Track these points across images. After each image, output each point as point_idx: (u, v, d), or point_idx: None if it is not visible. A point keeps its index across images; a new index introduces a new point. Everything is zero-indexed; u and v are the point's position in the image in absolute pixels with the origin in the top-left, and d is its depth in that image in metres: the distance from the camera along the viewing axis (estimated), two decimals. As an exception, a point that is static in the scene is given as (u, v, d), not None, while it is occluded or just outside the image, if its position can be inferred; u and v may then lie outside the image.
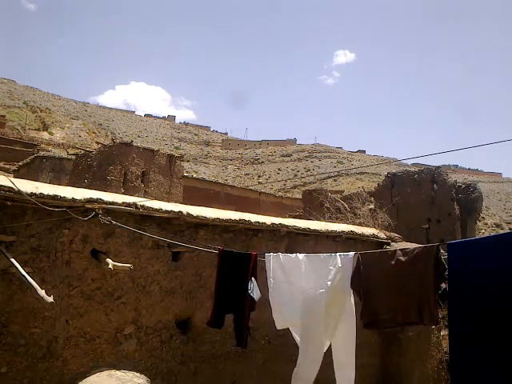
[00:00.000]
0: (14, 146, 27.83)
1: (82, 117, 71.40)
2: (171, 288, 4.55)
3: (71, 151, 26.09)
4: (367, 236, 6.30)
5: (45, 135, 43.06)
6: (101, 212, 3.93)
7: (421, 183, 18.71)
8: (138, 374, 3.51)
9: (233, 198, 25.22)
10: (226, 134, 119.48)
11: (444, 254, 3.12)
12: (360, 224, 7.28)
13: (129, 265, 3.85)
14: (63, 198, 3.72)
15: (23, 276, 3.29)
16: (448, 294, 2.99)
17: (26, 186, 3.60)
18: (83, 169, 19.39)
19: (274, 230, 5.35)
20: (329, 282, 3.81)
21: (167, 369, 4.43)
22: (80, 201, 3.82)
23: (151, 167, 20.17)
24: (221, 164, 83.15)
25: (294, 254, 4.19)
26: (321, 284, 3.87)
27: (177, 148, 75.42)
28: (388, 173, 20.74)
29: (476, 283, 2.77)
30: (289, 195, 36.56)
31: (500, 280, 2.65)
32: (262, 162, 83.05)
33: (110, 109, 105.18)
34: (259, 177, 71.87)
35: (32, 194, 3.52)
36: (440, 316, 5.92)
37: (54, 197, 3.66)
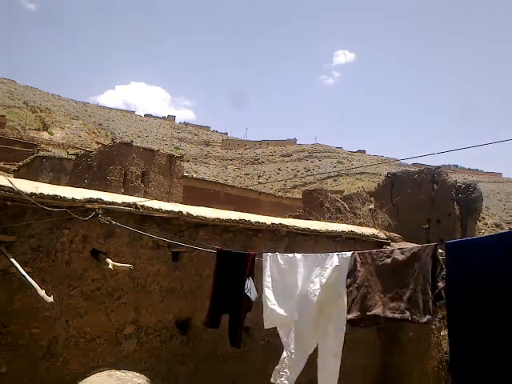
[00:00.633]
0: (14, 146, 27.82)
1: (82, 117, 71.40)
2: (171, 288, 4.55)
3: (71, 151, 26.08)
4: (367, 236, 6.30)
5: (45, 135, 43.06)
6: (101, 212, 3.93)
7: (421, 183, 18.71)
8: (138, 374, 3.51)
9: (233, 197, 25.21)
10: (226, 133, 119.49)
11: (442, 254, 3.12)
12: (360, 224, 7.27)
13: (129, 265, 3.85)
14: (63, 198, 3.72)
15: (23, 276, 3.29)
16: (446, 294, 2.99)
17: (26, 186, 3.60)
18: (83, 169, 19.39)
19: (274, 230, 5.35)
20: (324, 280, 3.80)
21: (167, 369, 4.43)
22: (80, 201, 3.82)
23: (151, 167, 20.17)
24: (221, 164, 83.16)
25: (292, 254, 4.18)
26: (315, 282, 3.86)
27: (177, 148, 75.43)
28: (388, 173, 20.74)
29: (475, 283, 2.77)
30: (289, 195, 36.55)
31: (500, 280, 2.65)
32: (262, 162, 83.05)
33: (110, 109, 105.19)
34: (259, 177, 71.87)
35: (32, 194, 3.52)
36: (440, 316, 5.94)
37: (54, 197, 3.66)
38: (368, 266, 3.58)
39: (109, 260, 3.86)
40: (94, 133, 57.41)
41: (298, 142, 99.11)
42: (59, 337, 3.77)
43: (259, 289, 4.20)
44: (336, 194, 24.23)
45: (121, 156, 18.84)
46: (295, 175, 68.80)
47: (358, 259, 3.66)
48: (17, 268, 3.32)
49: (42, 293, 3.23)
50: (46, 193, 3.62)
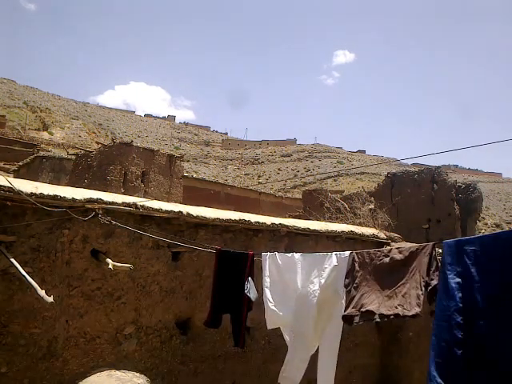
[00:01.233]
0: (14, 146, 27.81)
1: (82, 117, 71.41)
2: (171, 288, 4.55)
3: (71, 151, 26.08)
4: (367, 236, 6.30)
5: (45, 135, 43.06)
6: (101, 212, 3.93)
7: (421, 183, 18.71)
8: (137, 374, 3.51)
9: (233, 198, 25.21)
10: (226, 134, 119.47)
11: (440, 253, 3.12)
12: (360, 224, 7.27)
13: (129, 265, 3.85)
14: (63, 198, 3.72)
15: (23, 276, 3.29)
16: (438, 292, 2.97)
17: (26, 186, 3.60)
18: (83, 169, 19.39)
19: (274, 230, 5.35)
20: (322, 280, 3.80)
21: (167, 369, 4.43)
22: (80, 201, 3.82)
23: (151, 167, 20.17)
24: (221, 164, 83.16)
25: (291, 254, 4.18)
26: (315, 283, 3.86)
27: (177, 148, 75.43)
28: (388, 173, 20.75)
29: (474, 282, 2.76)
30: (289, 195, 36.55)
31: (499, 279, 2.65)
32: (262, 162, 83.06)
33: (110, 109, 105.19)
34: (259, 177, 71.87)
35: (32, 194, 3.52)
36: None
37: (54, 197, 3.66)
38: (366, 265, 3.58)
39: (109, 260, 3.86)
40: (94, 133, 57.43)
41: (298, 142, 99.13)
42: (59, 337, 3.77)
43: (259, 289, 4.20)
44: (336, 193, 24.24)
45: (121, 156, 18.85)
46: (295, 175, 68.80)
47: (356, 259, 3.66)
48: (17, 268, 3.32)
49: (42, 293, 3.23)
50: (46, 193, 3.62)
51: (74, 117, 66.24)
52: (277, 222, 5.35)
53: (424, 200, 18.33)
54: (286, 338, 4.11)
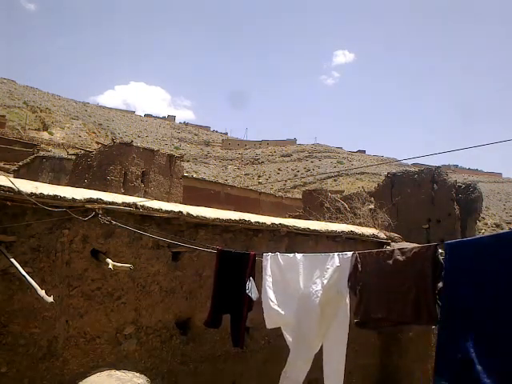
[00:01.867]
0: (14, 146, 27.83)
1: (82, 117, 71.44)
2: (171, 288, 4.55)
3: (71, 151, 26.09)
4: (367, 236, 6.30)
5: (45, 135, 43.08)
6: (101, 212, 3.93)
7: (421, 183, 18.72)
8: (137, 374, 3.51)
9: (233, 198, 25.22)
10: (226, 134, 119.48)
11: (442, 254, 3.11)
12: (360, 224, 7.27)
13: (129, 265, 3.84)
14: (63, 198, 3.72)
15: (23, 276, 3.29)
16: (443, 294, 2.98)
17: (26, 186, 3.60)
18: (83, 169, 19.40)
19: (274, 230, 5.35)
20: (325, 281, 3.80)
21: (167, 369, 4.43)
22: (80, 201, 3.82)
23: (151, 167, 20.18)
24: (221, 164, 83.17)
25: (292, 254, 4.18)
26: (317, 283, 3.86)
27: (177, 148, 75.44)
28: (388, 173, 20.76)
29: (474, 283, 2.76)
30: (289, 195, 36.55)
31: (500, 280, 2.65)
32: (262, 162, 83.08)
33: (110, 109, 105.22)
34: (259, 177, 71.88)
35: (32, 194, 3.52)
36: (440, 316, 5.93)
37: (54, 197, 3.66)
38: (369, 267, 3.58)
39: (109, 260, 3.85)
40: (94, 133, 57.45)
41: (298, 142, 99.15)
42: (59, 337, 3.77)
43: (260, 289, 4.20)
44: (336, 193, 24.24)
45: (121, 156, 18.85)
46: (295, 175, 68.80)
47: (359, 260, 3.66)
48: (17, 268, 3.32)
49: (42, 293, 3.23)
50: (46, 193, 3.62)
51: (74, 117, 66.27)
52: (277, 222, 5.35)
53: (424, 200, 18.34)
54: (288, 338, 4.10)
